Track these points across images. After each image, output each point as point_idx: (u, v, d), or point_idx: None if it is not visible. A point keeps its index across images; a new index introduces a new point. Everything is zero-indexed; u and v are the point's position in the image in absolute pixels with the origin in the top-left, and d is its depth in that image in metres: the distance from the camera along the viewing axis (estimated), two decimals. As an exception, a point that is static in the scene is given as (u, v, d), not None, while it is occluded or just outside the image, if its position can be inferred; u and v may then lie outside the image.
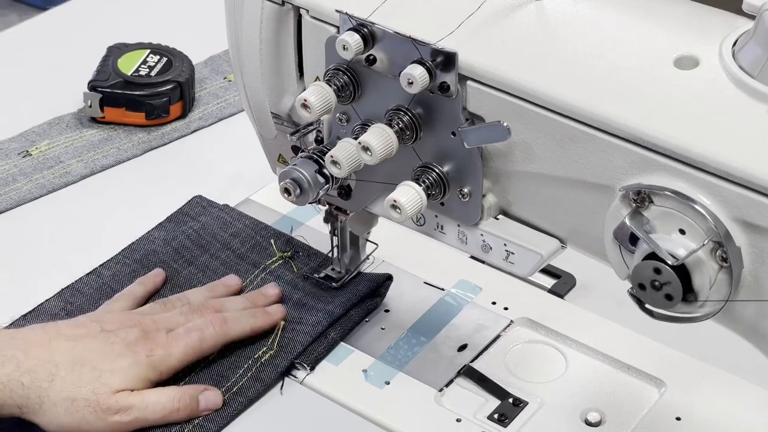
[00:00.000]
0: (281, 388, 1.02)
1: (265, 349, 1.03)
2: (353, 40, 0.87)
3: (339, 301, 1.07)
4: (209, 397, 0.98)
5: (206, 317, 1.01)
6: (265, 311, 1.05)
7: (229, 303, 1.05)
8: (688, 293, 0.79)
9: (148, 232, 1.15)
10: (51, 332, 0.97)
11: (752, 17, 0.80)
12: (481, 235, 0.92)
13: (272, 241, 1.14)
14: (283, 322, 1.04)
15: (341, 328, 1.06)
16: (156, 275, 1.09)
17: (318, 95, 0.89)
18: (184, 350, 0.99)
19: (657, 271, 0.79)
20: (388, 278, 1.10)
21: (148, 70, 1.33)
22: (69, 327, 0.99)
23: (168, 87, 1.31)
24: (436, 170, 0.90)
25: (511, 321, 1.08)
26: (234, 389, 1.00)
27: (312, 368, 1.03)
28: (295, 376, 1.03)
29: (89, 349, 0.96)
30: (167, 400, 0.96)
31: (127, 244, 1.13)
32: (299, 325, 1.05)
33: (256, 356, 1.02)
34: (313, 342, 1.04)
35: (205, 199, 1.19)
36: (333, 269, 1.09)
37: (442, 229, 0.94)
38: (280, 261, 1.12)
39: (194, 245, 1.13)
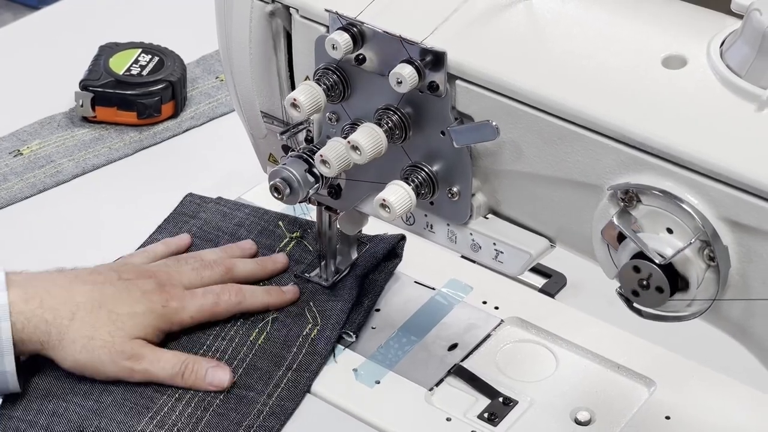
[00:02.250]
0: (334, 358, 1.04)
1: (310, 325, 1.05)
2: (343, 39, 0.87)
3: (361, 264, 1.09)
4: (217, 373, 1.00)
5: (225, 286, 1.04)
6: (280, 290, 1.07)
7: (240, 264, 1.08)
8: (676, 292, 0.80)
9: (150, 236, 1.15)
10: (70, 276, 1.01)
11: (740, 17, 0.80)
12: (471, 234, 0.92)
13: (279, 223, 1.14)
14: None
15: (372, 295, 1.08)
16: (181, 239, 1.12)
17: (307, 94, 0.89)
18: (198, 308, 1.02)
19: (638, 269, 0.80)
20: (402, 238, 1.11)
21: (139, 69, 1.33)
22: (87, 273, 1.02)
23: (159, 86, 1.31)
24: (426, 169, 0.90)
25: (502, 320, 1.08)
26: (294, 366, 1.02)
27: (357, 335, 1.05)
28: (342, 346, 1.05)
29: (107, 294, 1.00)
30: (177, 362, 0.99)
31: (128, 253, 1.12)
32: (332, 297, 1.07)
33: (304, 333, 1.04)
34: (352, 310, 1.06)
35: (197, 196, 1.19)
36: (320, 276, 1.09)
37: (431, 228, 0.94)
38: (294, 242, 1.13)
39: (202, 241, 1.13)
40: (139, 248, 1.13)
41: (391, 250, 1.11)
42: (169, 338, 1.03)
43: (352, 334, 1.05)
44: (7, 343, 0.96)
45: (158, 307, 1.01)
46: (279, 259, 1.10)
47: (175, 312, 1.01)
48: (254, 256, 1.11)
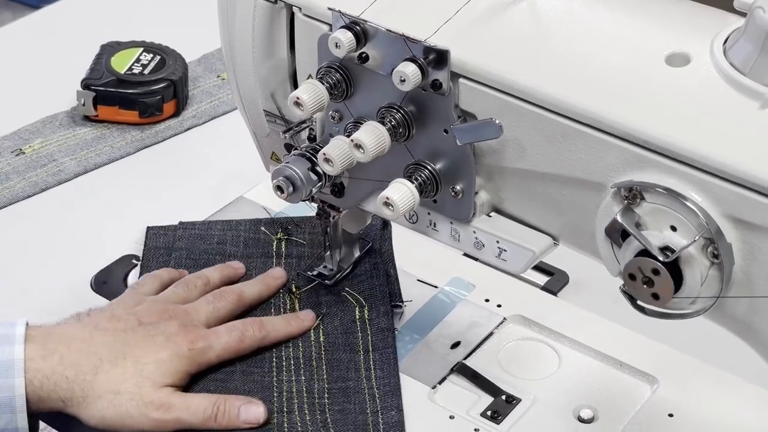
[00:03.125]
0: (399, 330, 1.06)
1: (358, 308, 1.06)
2: (346, 37, 0.87)
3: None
4: (250, 409, 0.97)
5: (246, 321, 1.02)
6: (297, 317, 1.05)
7: (247, 289, 1.07)
8: (680, 289, 0.80)
9: (137, 281, 1.10)
10: (89, 326, 0.98)
11: (743, 14, 0.80)
12: (474, 232, 0.92)
13: (261, 228, 1.14)
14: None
15: (390, 264, 1.10)
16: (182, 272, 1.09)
17: (310, 93, 0.89)
18: (224, 346, 1.00)
19: (645, 268, 0.80)
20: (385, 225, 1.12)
21: (141, 68, 1.33)
22: (107, 320, 0.99)
23: (161, 85, 1.31)
24: (429, 168, 0.90)
25: (504, 318, 1.08)
26: (370, 347, 1.02)
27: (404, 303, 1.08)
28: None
29: (130, 343, 0.97)
30: (208, 405, 0.96)
31: (135, 281, 1.09)
32: (361, 278, 1.08)
33: (357, 317, 1.05)
34: (389, 282, 1.08)
35: (157, 227, 1.16)
36: (325, 266, 1.09)
37: (434, 226, 0.94)
38: (283, 241, 1.13)
39: (194, 266, 1.11)
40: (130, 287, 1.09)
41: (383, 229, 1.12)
42: (226, 364, 1.01)
43: (401, 303, 1.07)
44: (20, 401, 0.92)
45: (185, 350, 0.98)
46: (278, 275, 1.09)
47: (202, 353, 0.99)
48: (246, 272, 1.10)
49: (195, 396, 0.97)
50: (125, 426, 0.95)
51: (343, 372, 1.01)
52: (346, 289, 1.08)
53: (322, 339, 1.04)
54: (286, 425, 0.97)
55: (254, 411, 0.96)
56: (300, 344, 1.04)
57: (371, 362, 1.02)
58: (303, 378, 1.01)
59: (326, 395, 0.99)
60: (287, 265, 1.11)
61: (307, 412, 0.98)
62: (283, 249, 1.13)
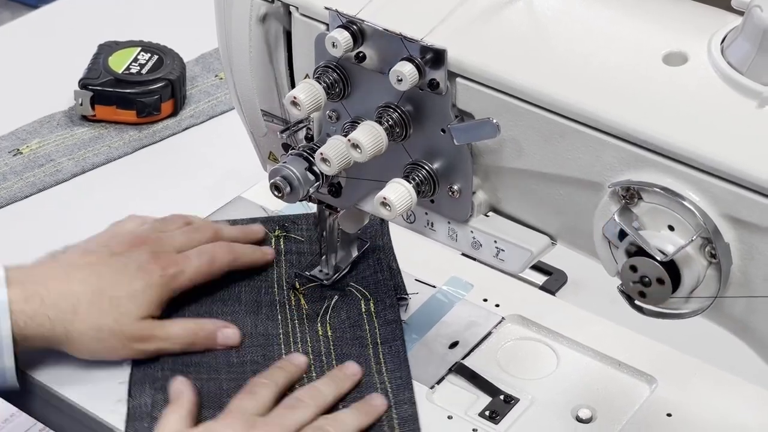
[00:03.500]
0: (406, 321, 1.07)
1: (363, 302, 1.07)
2: (343, 37, 0.87)
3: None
4: (227, 333, 1.02)
5: (216, 245, 1.05)
6: (262, 250, 1.09)
7: (225, 228, 1.10)
8: (677, 289, 0.80)
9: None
10: (64, 264, 1.01)
11: (741, 13, 0.80)
12: (471, 232, 0.92)
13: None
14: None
15: (391, 257, 1.11)
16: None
17: (307, 92, 0.89)
18: (196, 270, 1.03)
19: (641, 267, 0.80)
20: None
21: (139, 68, 1.33)
22: (80, 256, 1.02)
23: (159, 85, 1.31)
24: (426, 167, 0.90)
25: (503, 318, 1.08)
26: (379, 341, 1.03)
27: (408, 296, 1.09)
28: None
29: (105, 276, 1.00)
30: (187, 333, 1.01)
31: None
32: (365, 272, 1.09)
33: (364, 310, 1.06)
34: (392, 276, 1.09)
35: None
36: (321, 271, 1.09)
37: (432, 226, 0.94)
38: (281, 239, 1.13)
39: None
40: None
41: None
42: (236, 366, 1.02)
43: (406, 296, 1.08)
44: (6, 341, 0.96)
45: (156, 278, 1.01)
46: (258, 230, 1.12)
47: (174, 278, 1.02)
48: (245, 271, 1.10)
49: (173, 323, 1.01)
50: (113, 357, 1.00)
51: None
52: (351, 283, 1.08)
53: (330, 333, 1.04)
54: None
55: (231, 335, 1.02)
56: (308, 340, 1.04)
57: (381, 356, 1.02)
58: (314, 375, 1.01)
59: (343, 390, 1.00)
60: (287, 262, 1.11)
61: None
62: (282, 246, 1.13)
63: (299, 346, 1.04)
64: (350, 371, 1.00)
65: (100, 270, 1.01)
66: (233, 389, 0.98)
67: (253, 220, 1.15)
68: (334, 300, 1.07)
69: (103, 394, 1.00)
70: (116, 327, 0.98)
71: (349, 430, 0.95)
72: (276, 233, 1.14)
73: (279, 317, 1.06)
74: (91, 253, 1.03)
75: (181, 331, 1.01)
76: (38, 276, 1.00)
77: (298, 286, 1.08)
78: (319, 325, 1.05)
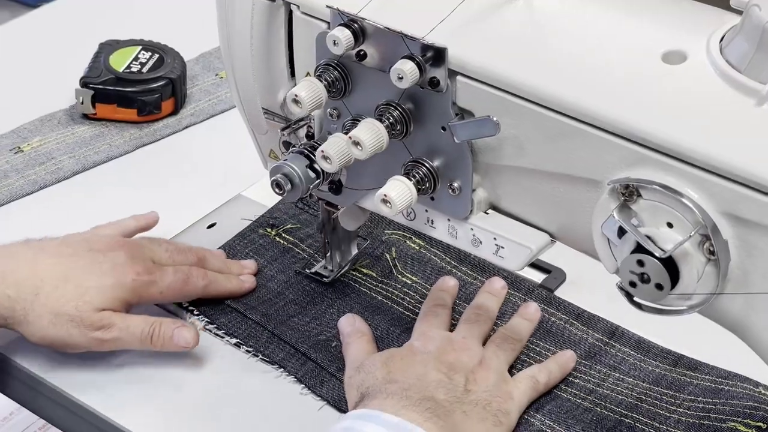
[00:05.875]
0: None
1: (407, 240, 1.12)
2: (344, 35, 0.87)
3: None
4: (182, 333, 1.00)
5: (193, 268, 1.04)
6: (239, 279, 1.08)
7: (210, 257, 1.08)
8: (676, 286, 0.80)
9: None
10: (35, 248, 1.01)
11: (740, 12, 0.81)
12: (471, 229, 0.92)
13: (260, 231, 1.15)
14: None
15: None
16: (150, 215, 1.12)
17: (309, 90, 0.90)
18: (168, 284, 1.02)
19: (642, 263, 0.80)
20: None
21: (139, 66, 1.33)
22: (55, 245, 1.02)
23: (160, 83, 1.32)
24: (426, 165, 0.91)
25: (502, 316, 1.09)
26: (453, 263, 1.10)
27: None
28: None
29: (75, 266, 1.00)
30: (145, 326, 1.00)
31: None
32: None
33: (417, 248, 1.11)
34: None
35: None
36: (325, 267, 1.10)
37: (432, 223, 0.94)
38: (282, 233, 1.15)
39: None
40: None
41: None
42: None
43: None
44: None
45: (128, 280, 1.00)
46: (247, 265, 1.10)
47: (145, 286, 1.01)
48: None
49: (133, 317, 1.00)
50: (67, 345, 0.99)
51: (462, 290, 1.07)
52: (385, 231, 1.11)
53: (415, 278, 1.09)
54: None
55: (185, 335, 1.00)
56: (408, 291, 1.08)
57: (470, 272, 1.09)
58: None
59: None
60: (310, 247, 1.13)
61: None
62: (290, 238, 1.13)
63: (408, 299, 1.07)
64: (498, 285, 1.07)
65: (73, 260, 1.00)
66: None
67: (257, 225, 1.15)
68: (392, 252, 1.10)
69: (105, 389, 1.01)
70: (76, 314, 0.98)
71: (524, 335, 1.03)
72: (272, 233, 1.14)
73: (365, 290, 1.09)
74: (68, 245, 1.02)
75: (140, 321, 1.00)
76: (4, 255, 1.00)
77: (346, 266, 1.10)
78: (400, 276, 1.09)
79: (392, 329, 1.05)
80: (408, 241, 1.11)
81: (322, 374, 1.01)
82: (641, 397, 0.98)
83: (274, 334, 1.04)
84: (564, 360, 1.01)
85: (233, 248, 1.13)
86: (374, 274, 1.10)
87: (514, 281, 1.08)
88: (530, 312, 1.05)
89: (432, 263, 1.10)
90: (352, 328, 1.02)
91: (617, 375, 1.00)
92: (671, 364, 1.01)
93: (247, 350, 1.04)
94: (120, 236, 1.07)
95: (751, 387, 0.98)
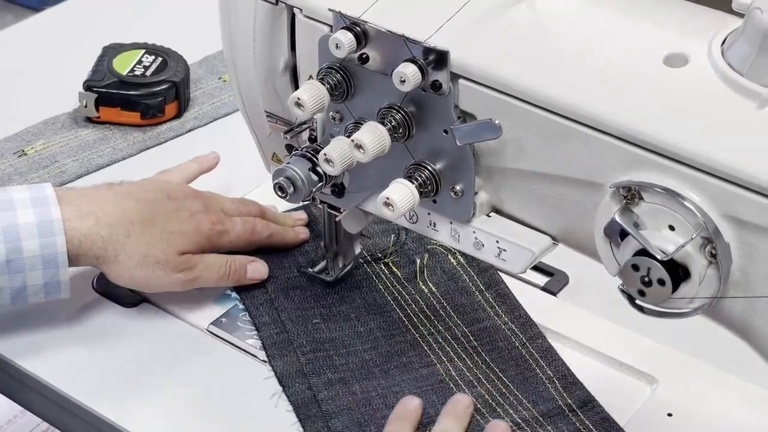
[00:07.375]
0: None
1: (449, 255, 1.11)
2: (346, 38, 0.87)
3: None
4: (257, 267, 1.08)
5: (258, 219, 1.11)
6: (296, 231, 1.14)
7: (270, 214, 1.14)
8: (678, 288, 0.80)
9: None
10: (120, 193, 1.05)
11: (741, 15, 0.81)
12: (474, 232, 0.93)
13: None
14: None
15: None
16: (211, 157, 1.19)
17: (311, 94, 0.90)
18: (238, 234, 1.08)
19: (643, 267, 0.80)
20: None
21: (143, 70, 1.33)
22: (137, 190, 1.06)
23: (163, 87, 1.32)
24: (429, 168, 0.91)
25: (504, 318, 1.09)
26: (481, 287, 1.08)
27: None
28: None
29: (158, 212, 1.05)
30: (222, 264, 1.06)
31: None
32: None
33: (454, 264, 1.11)
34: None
35: None
36: (326, 267, 1.10)
37: (434, 226, 0.95)
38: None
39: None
40: None
41: None
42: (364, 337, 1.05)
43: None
44: (62, 257, 0.99)
45: (206, 228, 1.06)
46: (300, 216, 1.15)
47: (219, 235, 1.07)
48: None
49: (211, 256, 1.06)
50: (150, 286, 1.05)
51: (471, 314, 1.06)
52: (432, 240, 1.10)
53: (434, 289, 1.08)
54: (453, 372, 1.01)
55: (260, 268, 1.08)
56: (419, 299, 1.08)
57: (492, 300, 1.06)
58: (440, 327, 1.05)
59: (472, 338, 1.04)
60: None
61: (464, 356, 1.03)
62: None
63: (413, 306, 1.07)
64: (463, 404, 0.98)
65: (156, 206, 1.05)
66: (374, 358, 1.03)
67: None
68: (425, 258, 1.11)
69: (111, 393, 1.01)
70: (162, 256, 1.02)
71: None
72: None
73: (380, 286, 1.09)
74: (147, 191, 1.06)
75: (217, 260, 1.06)
76: (93, 198, 1.03)
77: (381, 256, 1.11)
78: (421, 283, 1.09)
79: (376, 331, 1.05)
80: (450, 256, 1.12)
81: (289, 348, 1.03)
82: None
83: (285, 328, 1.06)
84: None
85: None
86: (399, 274, 1.10)
87: (510, 308, 1.07)
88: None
89: (459, 281, 1.09)
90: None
91: None
92: None
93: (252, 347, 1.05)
94: (186, 182, 1.13)
95: None
